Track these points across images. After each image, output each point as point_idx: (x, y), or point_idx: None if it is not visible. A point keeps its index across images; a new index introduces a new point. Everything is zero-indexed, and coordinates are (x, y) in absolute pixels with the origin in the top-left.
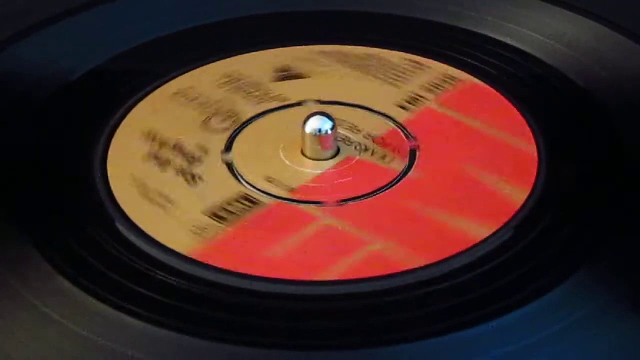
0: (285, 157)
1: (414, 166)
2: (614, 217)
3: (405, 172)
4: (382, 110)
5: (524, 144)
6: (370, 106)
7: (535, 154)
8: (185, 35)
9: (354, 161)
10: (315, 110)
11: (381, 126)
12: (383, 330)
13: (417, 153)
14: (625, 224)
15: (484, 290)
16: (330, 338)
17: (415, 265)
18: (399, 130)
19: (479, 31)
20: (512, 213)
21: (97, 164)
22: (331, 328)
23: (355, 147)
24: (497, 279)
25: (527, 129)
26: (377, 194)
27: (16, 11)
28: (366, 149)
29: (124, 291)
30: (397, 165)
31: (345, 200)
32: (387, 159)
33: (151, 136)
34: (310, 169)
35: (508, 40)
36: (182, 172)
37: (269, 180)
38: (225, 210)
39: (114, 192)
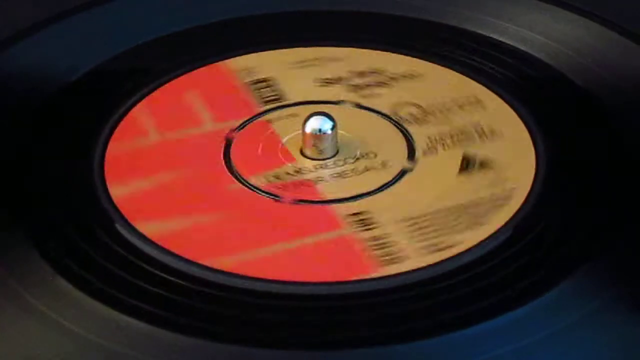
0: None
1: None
2: (614, 217)
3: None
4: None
5: (523, 144)
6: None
7: (535, 153)
8: (186, 35)
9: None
10: (316, 111)
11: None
12: (383, 330)
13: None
14: (625, 224)
15: (484, 290)
16: (329, 338)
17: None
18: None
19: (479, 31)
20: (511, 213)
21: (97, 164)
22: (331, 328)
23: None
24: (497, 279)
25: (527, 129)
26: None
27: (16, 11)
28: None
29: (124, 291)
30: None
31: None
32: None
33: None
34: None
35: (508, 40)
36: None
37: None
38: None
39: (114, 191)
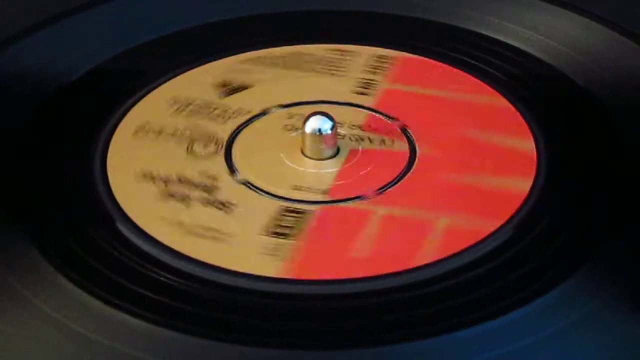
0: (293, 163)
1: (416, 143)
2: (614, 217)
3: (413, 150)
4: (346, 100)
5: (523, 144)
6: (332, 99)
7: (535, 153)
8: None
9: (360, 153)
10: (315, 111)
11: (357, 115)
12: (382, 330)
13: (410, 130)
14: (625, 224)
15: (484, 290)
16: (329, 338)
17: (489, 231)
18: (375, 114)
19: (479, 31)
20: (511, 213)
21: (97, 164)
22: (330, 328)
23: (351, 139)
24: (497, 279)
25: (527, 128)
26: (406, 175)
27: (16, 11)
28: (362, 139)
29: (124, 291)
30: (401, 145)
31: (383, 188)
32: (387, 143)
33: (149, 177)
34: (327, 169)
35: (508, 40)
36: (209, 202)
37: (297, 188)
38: (281, 226)
39: (114, 192)
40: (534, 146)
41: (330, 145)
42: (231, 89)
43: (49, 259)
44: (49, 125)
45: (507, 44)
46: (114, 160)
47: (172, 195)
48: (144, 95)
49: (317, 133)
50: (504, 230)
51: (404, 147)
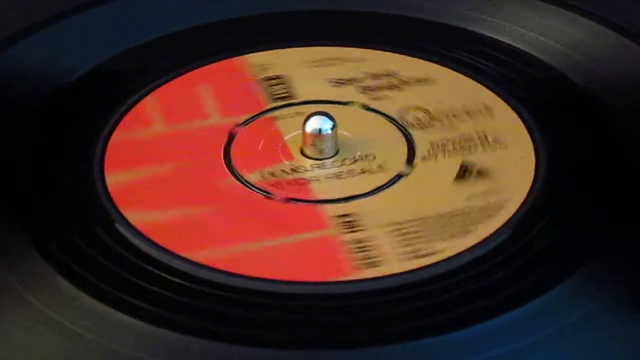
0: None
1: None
2: (614, 217)
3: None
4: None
5: (523, 144)
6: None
7: (535, 153)
8: (186, 35)
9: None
10: (316, 110)
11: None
12: (382, 330)
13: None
14: (625, 224)
15: (484, 290)
16: (329, 338)
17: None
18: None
19: (478, 31)
20: (511, 213)
21: (97, 164)
22: (330, 328)
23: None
24: (497, 279)
25: (527, 129)
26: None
27: (16, 11)
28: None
29: (124, 291)
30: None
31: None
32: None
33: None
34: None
35: (508, 40)
36: None
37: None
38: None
39: (114, 192)
40: (533, 146)
41: (322, 145)
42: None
43: (48, 259)
44: (49, 125)
45: (506, 44)
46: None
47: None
48: (144, 95)
49: (317, 133)
50: (503, 230)
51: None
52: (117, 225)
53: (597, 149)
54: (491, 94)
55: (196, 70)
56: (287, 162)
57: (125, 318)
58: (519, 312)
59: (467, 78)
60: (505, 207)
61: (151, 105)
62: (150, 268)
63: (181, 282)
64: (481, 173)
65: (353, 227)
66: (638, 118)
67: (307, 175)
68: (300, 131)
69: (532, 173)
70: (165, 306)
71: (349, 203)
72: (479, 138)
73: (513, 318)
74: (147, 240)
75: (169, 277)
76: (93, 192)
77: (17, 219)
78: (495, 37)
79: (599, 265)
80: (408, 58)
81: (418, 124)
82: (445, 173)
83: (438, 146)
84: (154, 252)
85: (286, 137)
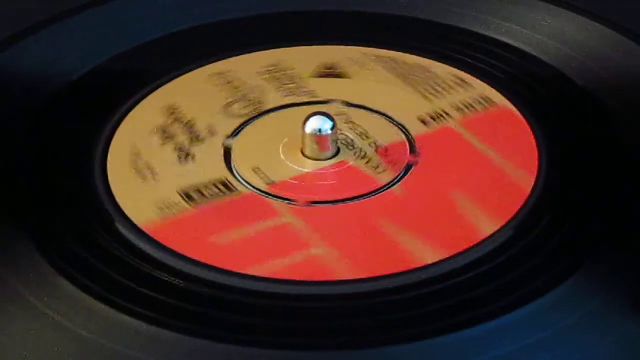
0: (282, 153)
1: (400, 182)
2: (614, 217)
3: (389, 186)
4: (401, 122)
5: (523, 144)
6: (392, 115)
7: (535, 153)
8: (187, 35)
9: (346, 166)
10: (316, 110)
11: (391, 136)
12: (383, 331)
13: (412, 169)
14: (625, 224)
15: (484, 290)
16: (329, 338)
17: (490, 231)
18: (407, 143)
19: (478, 31)
20: (512, 213)
21: (97, 164)
22: (331, 328)
23: (355, 153)
24: (497, 279)
25: (527, 128)
26: (350, 202)
27: (16, 11)
28: (364, 156)
29: (124, 291)
30: (386, 177)
31: (316, 202)
32: (379, 169)
33: (170, 110)
34: (299, 167)
35: (508, 40)
36: (179, 149)
37: (255, 170)
38: (199, 192)
39: (114, 192)
40: (533, 146)
41: (325, 148)
42: (328, 73)
43: (49, 259)
44: (49, 125)
45: (507, 44)
46: (114, 160)
47: (163, 131)
48: (144, 95)
49: (317, 133)
50: (504, 231)
51: (386, 180)
52: (117, 225)
53: (597, 148)
54: (492, 92)
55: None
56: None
57: (125, 318)
58: (519, 313)
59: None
60: (505, 207)
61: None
62: (151, 268)
63: (182, 282)
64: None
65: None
66: (638, 118)
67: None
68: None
69: (533, 173)
70: (166, 306)
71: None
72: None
73: (513, 318)
74: (147, 240)
75: (169, 277)
76: (93, 192)
77: (18, 219)
78: (496, 37)
79: (599, 265)
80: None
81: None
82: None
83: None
84: (154, 252)
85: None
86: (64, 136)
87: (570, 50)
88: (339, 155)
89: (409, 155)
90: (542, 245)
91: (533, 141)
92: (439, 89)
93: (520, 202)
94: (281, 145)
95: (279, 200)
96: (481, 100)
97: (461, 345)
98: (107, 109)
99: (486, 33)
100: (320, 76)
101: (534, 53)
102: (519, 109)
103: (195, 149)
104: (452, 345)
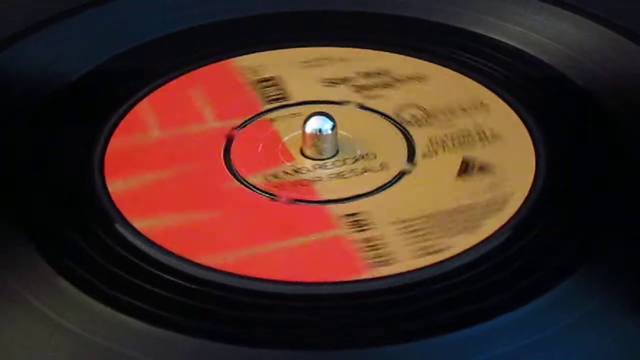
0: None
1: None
2: (614, 217)
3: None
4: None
5: (523, 144)
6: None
7: (535, 154)
8: (186, 35)
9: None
10: (315, 111)
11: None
12: (383, 330)
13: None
14: (625, 224)
15: (484, 289)
16: (329, 338)
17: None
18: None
19: (479, 31)
20: (511, 213)
21: (97, 164)
22: (331, 328)
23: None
24: (497, 279)
25: (527, 129)
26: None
27: (16, 11)
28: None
29: (124, 291)
30: (385, 175)
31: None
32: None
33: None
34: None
35: (508, 40)
36: None
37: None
38: None
39: (114, 192)
40: (533, 146)
41: (323, 146)
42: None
43: (48, 259)
44: (49, 125)
45: (507, 44)
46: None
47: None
48: (144, 95)
49: (317, 133)
50: (504, 230)
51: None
52: (117, 226)
53: (597, 148)
54: (491, 93)
55: (188, 74)
56: (288, 164)
57: (125, 318)
58: (519, 312)
59: (464, 76)
60: (505, 208)
61: (147, 109)
62: (151, 269)
63: (182, 283)
64: (483, 168)
65: (361, 226)
66: (638, 118)
67: (309, 175)
68: (298, 132)
69: (532, 173)
70: (166, 306)
71: (354, 202)
72: (478, 134)
73: (513, 318)
74: (147, 241)
75: (169, 277)
76: (93, 193)
77: (17, 219)
78: (495, 37)
79: (599, 265)
80: (400, 57)
81: (415, 121)
82: (447, 169)
83: (437, 142)
84: (153, 253)
85: (285, 139)
86: (64, 136)
87: (570, 50)
88: (339, 154)
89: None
90: (542, 245)
91: (532, 141)
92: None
93: (520, 202)
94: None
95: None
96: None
97: (461, 345)
98: (107, 109)
99: (485, 33)
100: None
101: (534, 53)
102: (517, 109)
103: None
104: (452, 345)
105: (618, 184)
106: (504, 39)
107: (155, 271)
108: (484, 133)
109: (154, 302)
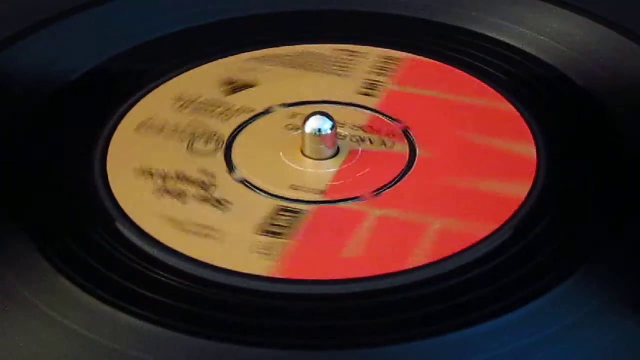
0: (292, 163)
1: (417, 145)
2: (614, 217)
3: (413, 152)
4: (350, 101)
5: (523, 144)
6: (336, 99)
7: (535, 153)
8: (186, 35)
9: (360, 153)
10: (314, 111)
11: (360, 116)
12: (383, 330)
13: (411, 133)
14: (625, 224)
15: (484, 290)
16: (330, 338)
17: (484, 235)
18: (379, 115)
19: (479, 31)
20: (511, 213)
21: (97, 164)
22: (331, 328)
23: (352, 140)
24: (497, 279)
25: (527, 128)
26: (404, 177)
27: (16, 11)
28: (363, 140)
29: (124, 291)
30: (401, 147)
31: (380, 190)
32: (388, 145)
33: (147, 173)
34: (326, 169)
35: (508, 40)
36: (204, 199)
37: (295, 188)
38: (275, 225)
39: (114, 192)
40: (533, 146)
41: (330, 146)
42: (236, 86)
43: (49, 259)
44: (49, 125)
45: (507, 43)
46: (114, 160)
47: (168, 192)
48: (144, 95)
49: (317, 133)
50: (504, 230)
51: (405, 149)
52: (118, 225)
53: (597, 148)
54: (491, 92)
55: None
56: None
57: (125, 318)
58: (519, 312)
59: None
60: (505, 208)
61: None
62: (151, 268)
63: (181, 281)
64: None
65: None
66: (638, 118)
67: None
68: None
69: (533, 173)
70: (166, 306)
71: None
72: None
73: (513, 318)
74: (148, 239)
75: (169, 277)
76: (93, 192)
77: (17, 218)
78: (495, 37)
79: (599, 265)
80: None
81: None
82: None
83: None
84: (154, 252)
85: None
86: (64, 136)
87: (570, 50)
88: (342, 149)
89: (394, 124)
90: (542, 245)
91: (532, 141)
92: (342, 65)
93: (521, 202)
94: (282, 157)
95: (347, 202)
96: (388, 61)
97: (461, 345)
98: (107, 109)
99: (485, 33)
100: (233, 92)
101: (534, 53)
102: (517, 109)
103: (218, 194)
104: (452, 345)
105: (618, 183)
106: (504, 39)
107: (155, 271)
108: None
109: (154, 302)
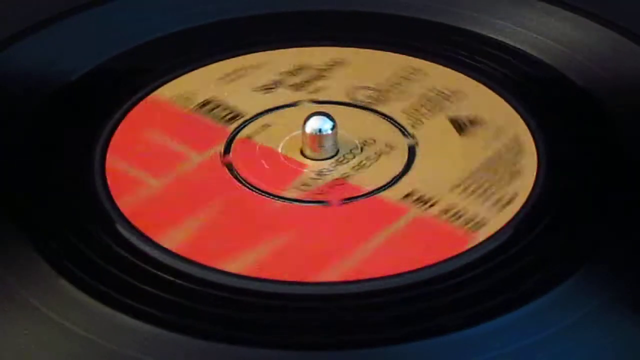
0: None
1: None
2: (614, 217)
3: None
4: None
5: (523, 144)
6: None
7: (535, 154)
8: (186, 35)
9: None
10: (315, 111)
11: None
12: (383, 330)
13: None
14: (625, 224)
15: (484, 290)
16: (330, 338)
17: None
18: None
19: (479, 31)
20: (512, 213)
21: (97, 164)
22: (331, 328)
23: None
24: (497, 279)
25: (527, 129)
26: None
27: (16, 11)
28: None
29: (124, 291)
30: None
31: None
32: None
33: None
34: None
35: (508, 40)
36: None
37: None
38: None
39: (114, 191)
40: (533, 146)
41: (326, 146)
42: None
43: (48, 259)
44: (49, 125)
45: (506, 44)
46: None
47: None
48: (144, 95)
49: (317, 133)
50: (504, 230)
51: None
52: (118, 226)
53: (597, 148)
54: (491, 93)
55: (126, 119)
56: (306, 170)
57: (125, 318)
58: (519, 312)
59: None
60: (505, 208)
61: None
62: (151, 268)
63: (181, 282)
64: (473, 122)
65: (427, 202)
66: (638, 118)
67: (337, 174)
68: (286, 139)
69: (533, 173)
70: (166, 306)
71: (399, 184)
72: (438, 95)
73: (513, 318)
74: (147, 239)
75: (169, 277)
76: (93, 192)
77: (17, 219)
78: (495, 37)
79: (599, 265)
80: (308, 49)
81: (373, 100)
82: (445, 131)
83: (413, 112)
84: (154, 252)
85: (279, 149)
86: (64, 136)
87: (570, 50)
88: (341, 151)
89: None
90: (542, 245)
91: (532, 141)
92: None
93: (520, 202)
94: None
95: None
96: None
97: (461, 345)
98: (107, 109)
99: (485, 34)
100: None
101: (534, 54)
102: (517, 109)
103: None
104: (453, 345)
105: (618, 184)
106: (503, 39)
107: (155, 271)
108: (443, 93)
109: (154, 302)
